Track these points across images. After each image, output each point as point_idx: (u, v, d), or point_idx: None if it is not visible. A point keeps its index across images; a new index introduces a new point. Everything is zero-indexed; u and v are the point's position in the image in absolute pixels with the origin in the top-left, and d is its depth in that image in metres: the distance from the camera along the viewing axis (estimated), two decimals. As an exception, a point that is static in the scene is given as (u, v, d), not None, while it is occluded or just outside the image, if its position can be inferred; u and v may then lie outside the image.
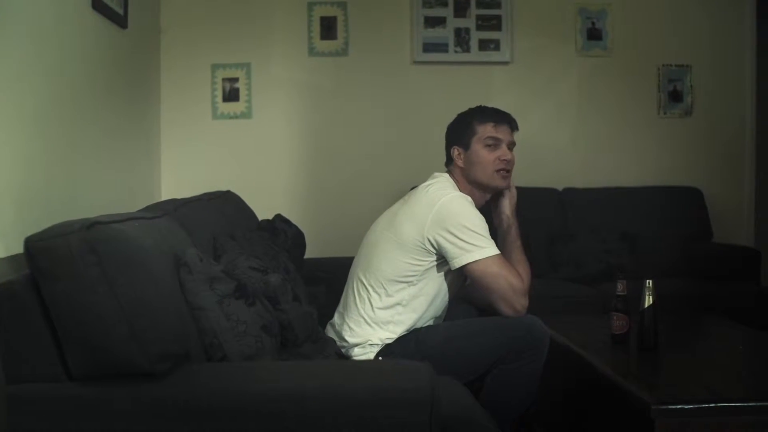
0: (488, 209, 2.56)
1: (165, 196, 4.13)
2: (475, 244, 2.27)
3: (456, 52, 4.50)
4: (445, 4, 4.48)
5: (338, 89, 4.49)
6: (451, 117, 2.60)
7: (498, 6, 4.49)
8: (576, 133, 4.61)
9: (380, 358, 2.32)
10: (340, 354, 2.33)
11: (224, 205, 2.77)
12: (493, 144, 2.46)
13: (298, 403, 1.56)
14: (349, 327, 2.39)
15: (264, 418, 1.55)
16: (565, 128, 4.60)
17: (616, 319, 2.44)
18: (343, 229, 3.97)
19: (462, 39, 4.50)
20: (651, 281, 2.37)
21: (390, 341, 2.35)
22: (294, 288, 2.10)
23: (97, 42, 3.15)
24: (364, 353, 2.34)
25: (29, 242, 1.50)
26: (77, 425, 1.54)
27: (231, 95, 4.42)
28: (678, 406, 1.84)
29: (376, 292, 2.37)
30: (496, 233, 2.47)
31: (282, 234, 2.87)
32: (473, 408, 1.91)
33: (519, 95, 4.47)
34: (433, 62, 4.49)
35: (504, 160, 2.46)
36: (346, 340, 2.38)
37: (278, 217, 3.03)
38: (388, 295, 2.36)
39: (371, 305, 2.37)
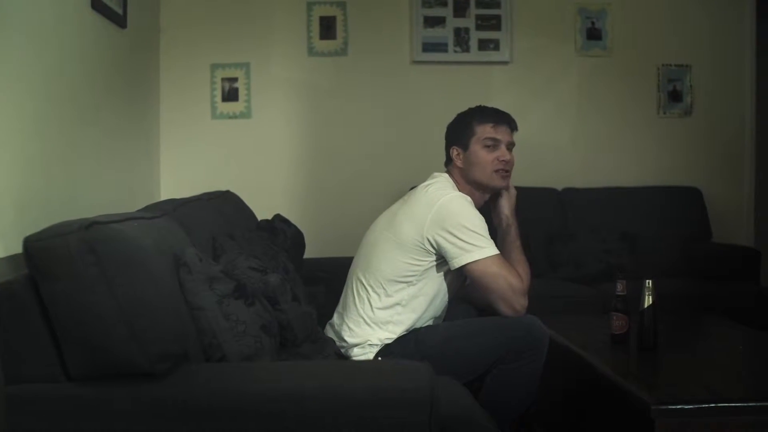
0: (488, 209, 2.56)
1: (164, 196, 4.13)
2: (474, 244, 2.27)
3: (455, 51, 4.50)
4: (445, 4, 4.48)
5: (337, 89, 4.48)
6: (451, 117, 2.59)
7: (497, 6, 4.49)
8: (575, 133, 4.61)
9: (379, 358, 2.32)
10: (339, 354, 2.33)
11: (223, 205, 2.76)
12: (492, 145, 2.46)
13: (298, 403, 1.56)
14: (349, 327, 2.39)
15: (263, 418, 1.55)
16: (564, 128, 4.60)
17: (615, 319, 2.44)
18: (343, 229, 3.97)
19: (461, 39, 4.50)
20: (651, 281, 2.37)
21: (389, 341, 2.34)
22: (293, 288, 2.09)
23: (97, 42, 3.14)
24: (364, 353, 2.34)
25: (28, 242, 1.50)
26: (76, 425, 1.54)
27: (230, 95, 4.42)
28: (678, 406, 1.84)
29: (375, 292, 2.37)
30: (495, 233, 2.47)
31: (281, 234, 2.86)
32: (473, 408, 1.91)
33: (518, 95, 4.47)
34: (433, 62, 4.49)
35: (503, 160, 2.46)
36: (345, 340, 2.37)
37: (277, 217, 3.02)
38: (387, 295, 2.36)
39: (370, 305, 2.37)
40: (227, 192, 3.07)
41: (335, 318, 2.49)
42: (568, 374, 2.54)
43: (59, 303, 1.50)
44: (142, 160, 3.95)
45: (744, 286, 3.90)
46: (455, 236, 2.27)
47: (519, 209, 2.57)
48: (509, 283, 2.27)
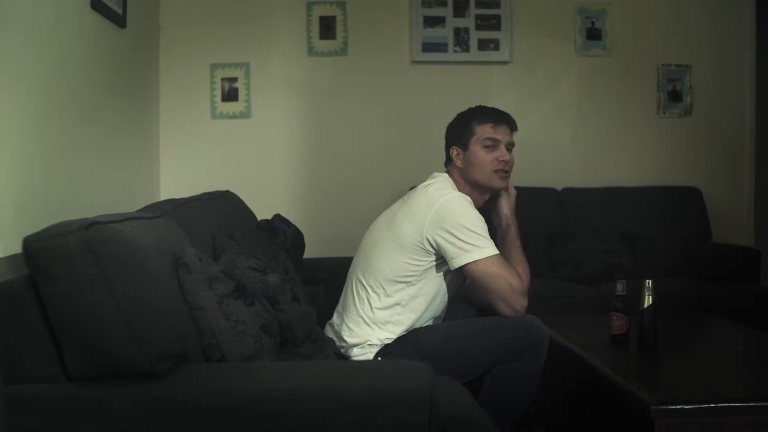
0: (488, 209, 2.55)
1: (164, 195, 4.13)
2: (474, 244, 2.27)
3: (455, 51, 4.50)
4: (445, 4, 4.47)
5: (337, 89, 4.48)
6: (451, 117, 2.59)
7: (497, 6, 4.49)
8: (575, 132, 4.61)
9: (379, 358, 2.32)
10: (339, 354, 2.32)
11: (223, 205, 2.76)
12: (492, 145, 2.46)
13: (298, 403, 1.56)
14: (348, 327, 2.39)
15: (263, 418, 1.55)
16: (564, 128, 4.60)
17: (615, 319, 2.44)
18: (342, 229, 3.97)
19: (461, 39, 4.50)
20: (651, 281, 2.37)
21: (389, 341, 2.34)
22: (293, 288, 2.09)
23: (96, 42, 3.14)
24: (363, 353, 2.34)
25: (28, 242, 1.50)
26: (76, 425, 1.53)
27: (230, 95, 4.41)
28: (678, 407, 1.84)
29: (375, 292, 2.37)
30: (495, 233, 2.47)
31: (281, 234, 2.86)
32: (473, 408, 1.91)
33: (518, 95, 4.47)
34: (433, 62, 4.49)
35: (502, 161, 2.45)
36: (345, 341, 2.37)
37: (277, 216, 3.02)
38: (387, 296, 2.36)
39: (370, 305, 2.37)
40: (227, 192, 3.07)
41: (335, 318, 2.49)
42: (568, 374, 2.54)
43: (59, 303, 1.50)
44: (141, 159, 3.95)
45: (744, 286, 3.89)
46: (455, 236, 2.27)
47: (519, 209, 2.57)
48: (509, 283, 2.27)
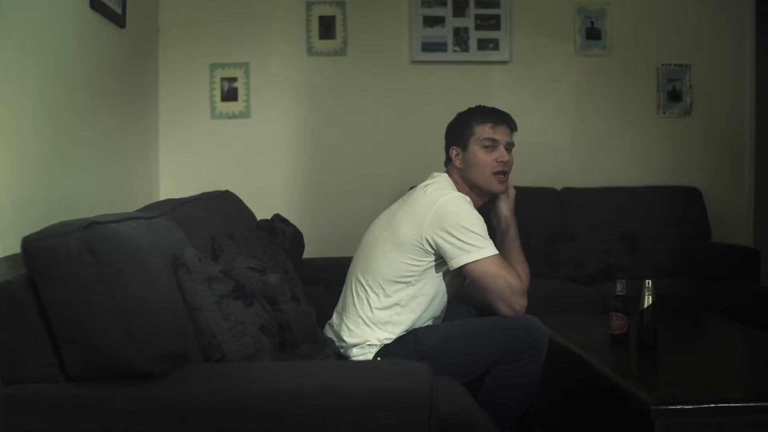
0: (487, 209, 2.55)
1: (163, 195, 4.13)
2: (473, 245, 2.27)
3: (455, 51, 4.49)
4: (444, 4, 4.47)
5: (337, 89, 4.48)
6: (450, 117, 2.59)
7: (497, 5, 4.49)
8: (575, 132, 4.61)
9: (379, 358, 2.31)
10: (338, 354, 2.32)
11: (223, 205, 2.76)
12: (491, 145, 2.45)
13: (297, 403, 1.55)
14: (348, 327, 2.38)
15: (263, 419, 1.55)
16: (564, 128, 4.60)
17: (615, 319, 2.44)
18: (342, 228, 3.97)
19: (461, 38, 4.50)
20: (650, 281, 2.37)
21: (388, 342, 2.34)
22: (292, 288, 2.09)
23: (96, 41, 3.14)
24: (363, 354, 2.34)
25: (27, 242, 1.50)
26: (75, 426, 1.53)
27: (229, 95, 4.41)
28: (678, 407, 1.84)
29: (374, 292, 2.37)
30: (495, 233, 2.47)
31: (280, 234, 2.86)
32: (472, 408, 1.91)
33: (518, 95, 4.47)
34: (432, 62, 4.49)
35: (501, 161, 2.45)
36: (344, 341, 2.37)
37: (277, 216, 3.02)
38: (386, 296, 2.36)
39: (369, 306, 2.36)
40: (226, 192, 3.07)
41: (334, 318, 2.49)
42: (567, 374, 2.54)
43: (58, 303, 1.49)
44: (141, 159, 3.95)
45: (744, 286, 3.89)
46: (454, 236, 2.27)
47: (518, 209, 2.56)
48: (508, 283, 2.26)
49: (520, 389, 2.23)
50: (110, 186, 3.28)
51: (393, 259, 2.35)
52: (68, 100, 2.82)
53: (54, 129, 2.67)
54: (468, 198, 2.39)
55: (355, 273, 2.45)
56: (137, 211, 2.06)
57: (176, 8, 4.33)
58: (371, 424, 1.53)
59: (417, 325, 2.38)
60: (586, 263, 4.09)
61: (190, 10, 4.36)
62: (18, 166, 2.37)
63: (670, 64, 4.62)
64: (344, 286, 2.52)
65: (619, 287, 2.43)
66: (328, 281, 2.84)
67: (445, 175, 2.51)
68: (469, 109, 2.55)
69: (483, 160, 2.44)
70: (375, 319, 2.35)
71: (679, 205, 4.41)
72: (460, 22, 4.49)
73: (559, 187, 4.44)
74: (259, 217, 3.05)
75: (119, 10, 3.36)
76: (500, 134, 2.46)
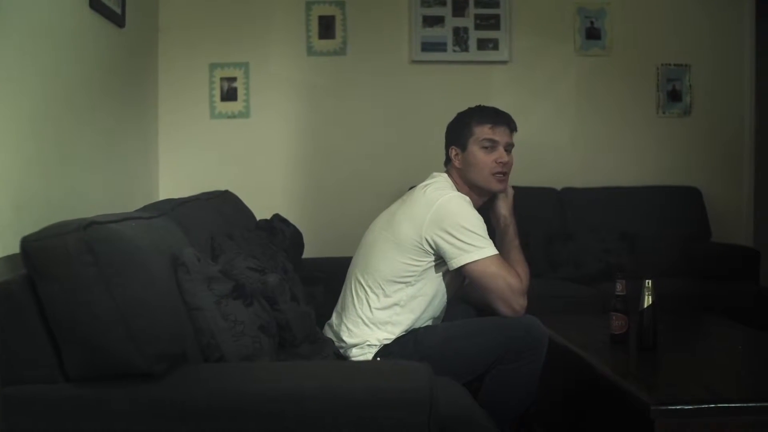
0: (486, 209, 2.55)
1: (163, 195, 4.12)
2: (473, 245, 2.26)
3: (454, 51, 4.49)
4: (444, 4, 4.47)
5: (336, 89, 4.48)
6: (450, 116, 2.59)
7: (497, 5, 4.49)
8: (575, 132, 4.61)
9: (378, 358, 2.31)
10: (338, 354, 2.32)
11: (222, 205, 2.76)
12: (490, 146, 2.45)
13: (297, 403, 1.55)
14: (347, 327, 2.38)
15: (262, 419, 1.55)
16: (563, 128, 4.60)
17: (615, 319, 2.44)
18: (341, 228, 3.97)
19: (460, 38, 4.49)
20: (650, 281, 2.37)
21: (388, 342, 2.34)
22: (292, 288, 2.09)
23: (95, 41, 3.14)
24: (363, 354, 2.34)
25: (26, 242, 1.49)
26: (74, 426, 1.53)
27: (229, 95, 4.41)
28: (678, 407, 1.83)
29: (374, 292, 2.37)
30: (494, 233, 2.46)
31: (280, 234, 2.86)
32: (472, 408, 1.90)
33: (518, 95, 4.47)
34: (432, 62, 4.48)
35: (500, 162, 2.44)
36: (344, 341, 2.37)
37: (276, 216, 3.02)
38: (386, 296, 2.35)
39: (369, 306, 2.36)
40: (226, 192, 3.07)
41: (334, 318, 2.48)
42: (567, 374, 2.54)
43: (57, 303, 1.49)
44: (140, 159, 3.95)
45: (744, 286, 3.89)
46: (454, 236, 2.27)
47: (518, 209, 2.56)
48: (508, 284, 2.26)
49: (519, 389, 2.22)
50: (110, 186, 3.28)
51: (392, 259, 2.35)
52: (67, 99, 2.81)
53: (53, 129, 2.67)
54: (467, 198, 2.38)
55: (355, 273, 2.45)
56: (137, 211, 2.06)
57: (176, 8, 4.33)
58: (371, 424, 1.53)
59: (416, 326, 2.38)
60: (586, 263, 4.09)
61: (190, 10, 4.36)
62: (17, 166, 2.37)
63: (669, 64, 4.62)
64: (344, 286, 2.51)
65: (619, 287, 2.43)
66: (327, 281, 2.84)
67: (445, 175, 2.51)
68: (469, 109, 2.55)
69: (482, 160, 2.44)
70: (374, 319, 2.35)
71: (679, 205, 4.41)
72: (460, 22, 4.49)
73: (558, 187, 4.44)
74: (258, 217, 3.05)
75: (119, 10, 3.36)
76: (499, 135, 2.46)
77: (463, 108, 2.57)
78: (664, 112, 4.64)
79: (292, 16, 4.43)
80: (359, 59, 4.46)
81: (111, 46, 3.35)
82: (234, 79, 4.41)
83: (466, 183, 2.48)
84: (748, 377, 2.23)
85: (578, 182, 4.48)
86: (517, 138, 2.53)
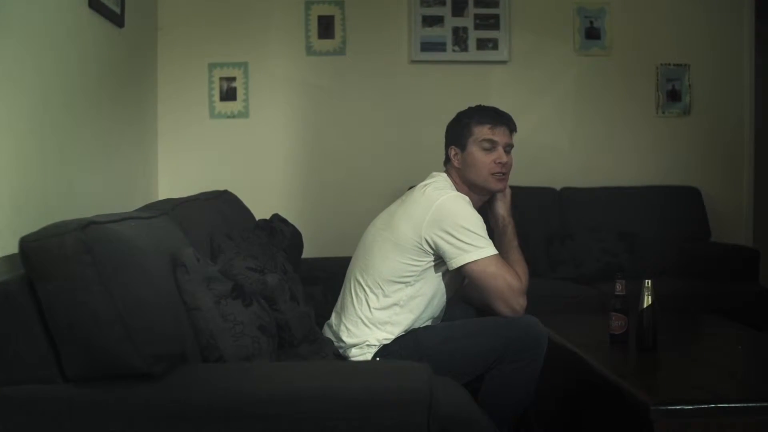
0: (485, 209, 2.54)
1: (162, 195, 4.12)
2: (472, 244, 2.26)
3: (454, 51, 4.49)
4: (443, 3, 4.47)
5: (336, 88, 4.47)
6: (449, 116, 2.58)
7: (496, 5, 4.48)
8: (574, 132, 4.60)
9: (378, 358, 2.31)
10: (337, 355, 2.32)
11: (221, 205, 2.76)
12: (490, 147, 2.44)
13: (296, 404, 1.55)
14: (347, 328, 2.38)
15: (261, 419, 1.54)
16: (563, 127, 4.59)
17: (614, 319, 2.43)
18: (341, 228, 3.97)
19: (460, 38, 4.49)
20: (650, 281, 2.36)
21: (387, 342, 2.34)
22: (291, 288, 2.09)
23: (94, 41, 3.13)
24: (362, 354, 2.33)
25: (24, 242, 1.49)
26: (73, 426, 1.53)
27: (228, 94, 4.41)
28: (677, 407, 1.83)
29: (373, 292, 2.36)
30: (493, 233, 2.46)
31: (279, 234, 2.86)
32: (471, 408, 1.90)
33: (517, 94, 4.47)
34: (431, 61, 4.48)
35: (499, 163, 2.44)
36: (343, 341, 2.37)
37: (276, 216, 3.02)
38: (385, 296, 2.35)
39: (368, 306, 2.36)
40: (225, 192, 3.07)
41: (333, 318, 2.48)
42: (567, 374, 2.54)
43: (55, 303, 1.49)
44: (139, 159, 3.95)
45: (743, 286, 3.89)
46: (453, 236, 2.26)
47: (517, 209, 2.56)
48: (508, 283, 2.26)
49: (519, 389, 2.22)
50: (108, 186, 3.27)
51: (392, 259, 2.35)
52: (66, 99, 2.81)
53: (52, 128, 2.67)
54: (467, 198, 2.38)
55: (354, 273, 2.45)
56: (136, 210, 2.06)
57: (175, 8, 4.33)
58: (370, 424, 1.53)
59: (416, 326, 2.38)
60: (586, 263, 4.09)
61: (189, 10, 4.35)
62: (16, 166, 2.37)
63: (669, 64, 4.62)
64: (343, 286, 2.51)
65: (619, 287, 2.42)
66: (326, 281, 2.84)
67: (444, 174, 2.50)
68: (469, 108, 2.55)
69: (481, 161, 2.43)
70: (374, 319, 2.35)
71: (679, 205, 4.41)
72: (459, 22, 4.49)
73: (558, 186, 4.44)
74: (258, 216, 3.05)
75: (118, 10, 3.36)
76: (499, 135, 2.45)
77: (463, 108, 2.56)
78: (663, 112, 4.64)
79: (292, 15, 4.43)
80: (358, 59, 4.46)
81: (110, 45, 3.34)
82: (233, 79, 4.40)
83: (465, 183, 2.47)
84: (748, 377, 2.23)
85: (578, 182, 4.47)
86: (516, 138, 2.52)
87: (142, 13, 3.94)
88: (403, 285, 2.34)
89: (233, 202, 3.01)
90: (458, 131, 2.50)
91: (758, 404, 1.87)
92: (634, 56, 4.59)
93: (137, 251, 1.60)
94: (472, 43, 4.49)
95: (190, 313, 1.76)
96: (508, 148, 2.48)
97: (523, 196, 2.68)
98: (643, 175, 4.54)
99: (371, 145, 4.48)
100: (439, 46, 4.48)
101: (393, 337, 2.34)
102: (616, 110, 4.61)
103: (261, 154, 4.45)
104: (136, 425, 1.53)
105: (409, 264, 2.33)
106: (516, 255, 2.41)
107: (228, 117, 4.42)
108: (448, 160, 2.52)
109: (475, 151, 2.44)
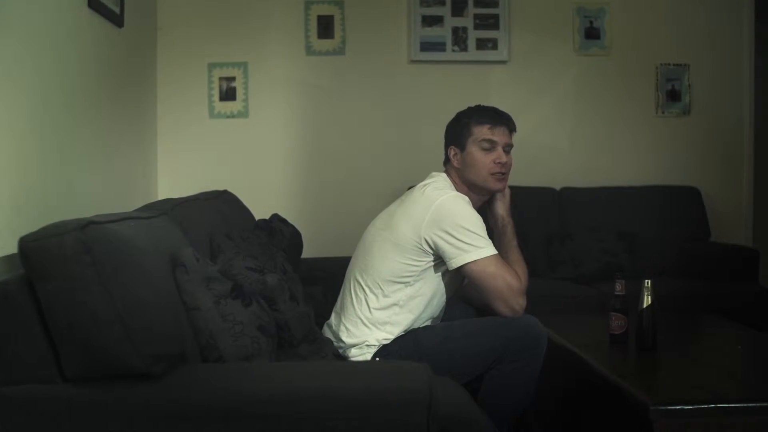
0: (484, 209, 2.54)
1: (162, 195, 4.12)
2: (472, 244, 2.26)
3: (453, 51, 4.49)
4: (443, 3, 4.46)
5: (335, 88, 4.47)
6: (449, 116, 2.58)
7: (496, 5, 4.48)
8: (574, 132, 4.60)
9: (377, 359, 2.31)
10: (337, 355, 2.32)
11: (221, 205, 2.76)
12: (489, 147, 2.44)
13: (296, 404, 1.55)
14: (346, 328, 2.38)
15: (261, 419, 1.54)
16: (563, 127, 4.59)
17: (614, 319, 2.43)
18: (341, 228, 3.97)
19: (459, 38, 4.49)
20: (649, 281, 2.36)
21: (387, 342, 2.33)
22: (291, 288, 2.09)
23: (93, 41, 3.13)
24: (361, 354, 2.33)
25: (23, 242, 1.49)
26: (72, 427, 1.53)
27: (228, 94, 4.40)
28: (677, 407, 1.83)
29: (372, 292, 2.36)
30: (493, 234, 2.46)
31: (279, 234, 2.86)
32: (471, 408, 1.90)
33: (517, 94, 4.47)
34: (431, 61, 4.48)
35: (498, 163, 2.44)
36: (343, 341, 2.36)
37: (275, 216, 3.02)
38: (385, 296, 2.35)
39: (368, 306, 2.36)
40: (225, 192, 3.07)
41: (333, 318, 2.48)
42: (567, 374, 2.54)
43: (55, 303, 1.49)
44: (139, 159, 3.94)
45: (743, 286, 3.89)
46: (453, 236, 2.26)
47: (517, 209, 2.56)
48: (508, 283, 2.26)
49: (519, 389, 2.22)
50: (108, 185, 3.27)
51: (391, 259, 2.34)
52: (66, 99, 2.81)
53: (51, 128, 2.67)
54: (467, 198, 2.38)
55: (354, 273, 2.45)
56: (135, 210, 2.06)
57: (174, 7, 4.33)
58: (370, 424, 1.53)
59: (415, 326, 2.38)
60: (585, 263, 4.09)
61: (189, 10, 4.35)
62: (15, 166, 2.37)
63: (669, 64, 4.62)
64: (342, 286, 2.51)
65: (619, 287, 2.42)
66: (326, 281, 2.83)
67: (444, 174, 2.50)
68: (469, 108, 2.54)
69: (480, 161, 2.43)
70: (373, 319, 2.35)
71: (679, 205, 4.41)
72: (459, 22, 4.48)
73: (558, 186, 4.44)
74: (257, 216, 3.05)
75: (117, 10, 3.36)
76: (498, 135, 2.45)
77: (463, 108, 2.56)
78: (663, 112, 4.64)
79: (291, 15, 4.43)
80: (358, 59, 4.46)
81: (110, 45, 3.34)
82: (233, 79, 4.40)
83: (464, 183, 2.47)
84: (748, 377, 2.23)
85: (577, 182, 4.47)
86: (516, 138, 2.52)
87: (142, 13, 3.93)
88: (402, 285, 2.34)
89: (233, 202, 3.01)
90: (458, 131, 2.50)
91: (758, 404, 1.87)
92: (633, 56, 4.59)
93: (137, 251, 1.60)
94: (471, 43, 4.49)
95: (190, 313, 1.76)
96: (507, 148, 2.48)
97: (522, 196, 2.68)
98: (642, 175, 4.54)
99: (371, 145, 4.48)
100: (439, 46, 4.48)
101: (392, 337, 2.34)
102: (616, 110, 4.61)
103: (261, 154, 4.45)
104: (135, 425, 1.53)
105: (409, 264, 2.33)
106: (515, 255, 2.41)
107: (228, 117, 4.42)
108: (447, 160, 2.52)
109: (474, 151, 2.44)
